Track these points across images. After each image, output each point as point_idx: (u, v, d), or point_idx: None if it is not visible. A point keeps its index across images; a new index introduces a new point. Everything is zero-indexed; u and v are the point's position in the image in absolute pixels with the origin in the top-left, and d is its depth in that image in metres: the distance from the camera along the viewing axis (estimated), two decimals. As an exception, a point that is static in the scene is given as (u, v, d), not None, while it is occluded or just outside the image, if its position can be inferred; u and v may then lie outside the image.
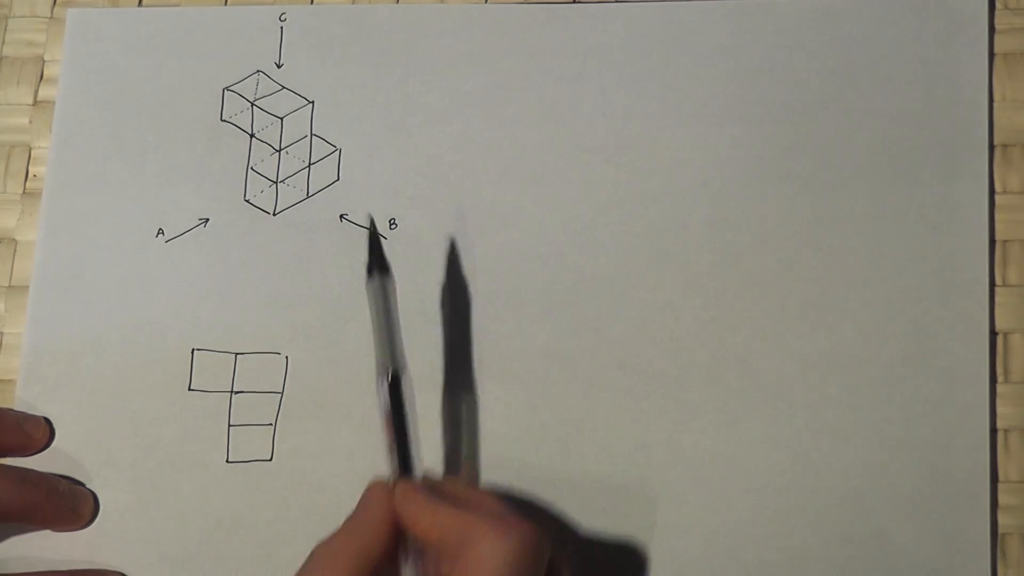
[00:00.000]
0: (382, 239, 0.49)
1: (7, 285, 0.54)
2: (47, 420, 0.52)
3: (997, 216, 0.50)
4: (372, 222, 0.48)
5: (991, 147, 0.51)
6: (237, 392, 0.51)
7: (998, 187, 0.51)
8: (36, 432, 0.51)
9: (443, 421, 0.50)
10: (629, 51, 0.54)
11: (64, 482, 0.50)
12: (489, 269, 0.52)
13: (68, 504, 0.50)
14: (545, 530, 0.41)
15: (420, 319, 0.51)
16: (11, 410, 0.51)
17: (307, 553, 0.47)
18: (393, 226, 0.53)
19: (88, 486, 0.51)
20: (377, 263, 0.46)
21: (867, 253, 0.50)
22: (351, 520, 0.43)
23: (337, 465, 0.50)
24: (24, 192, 0.55)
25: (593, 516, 0.49)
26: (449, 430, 0.50)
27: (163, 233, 0.53)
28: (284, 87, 0.55)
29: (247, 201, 0.54)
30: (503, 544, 0.40)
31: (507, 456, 0.50)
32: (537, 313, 0.51)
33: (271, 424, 0.51)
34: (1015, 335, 0.49)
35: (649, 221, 0.52)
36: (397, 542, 0.43)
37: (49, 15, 0.57)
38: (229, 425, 0.51)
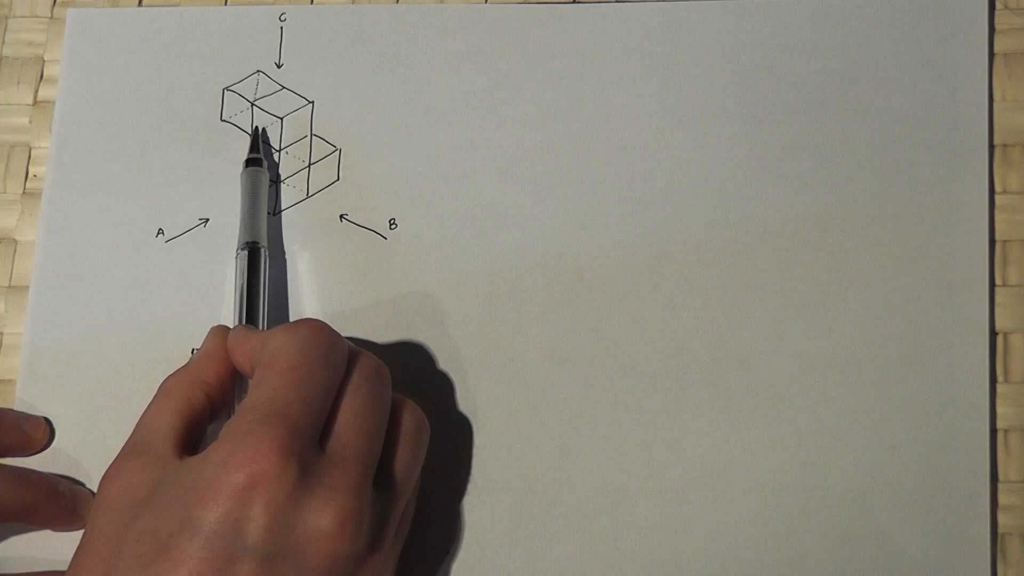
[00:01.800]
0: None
1: (7, 285, 0.54)
2: (47, 420, 0.52)
3: (997, 216, 0.50)
4: (256, 128, 0.54)
5: (991, 147, 0.51)
6: (237, 392, 0.51)
7: (998, 187, 0.51)
8: (36, 432, 0.51)
9: None
10: (629, 51, 0.54)
11: (64, 482, 0.50)
12: (489, 269, 0.52)
13: (68, 504, 0.50)
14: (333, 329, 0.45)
15: (420, 319, 0.51)
16: (11, 410, 0.51)
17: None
18: (393, 226, 0.53)
19: (88, 486, 0.51)
20: (253, 159, 0.53)
21: (867, 253, 0.50)
22: (192, 358, 0.48)
23: (337, 465, 0.50)
24: (24, 192, 0.55)
25: (593, 516, 0.49)
26: None
27: (163, 233, 0.53)
28: (284, 87, 0.55)
29: (247, 201, 0.54)
30: (290, 334, 0.44)
31: (507, 456, 0.49)
32: (537, 313, 0.51)
33: (271, 424, 0.51)
34: (1015, 335, 0.49)
35: (649, 221, 0.52)
36: (233, 380, 0.47)
37: (49, 15, 0.57)
38: (229, 425, 0.51)
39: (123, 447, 0.46)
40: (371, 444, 0.44)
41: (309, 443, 0.42)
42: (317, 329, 0.45)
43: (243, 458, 0.41)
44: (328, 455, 0.43)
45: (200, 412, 0.46)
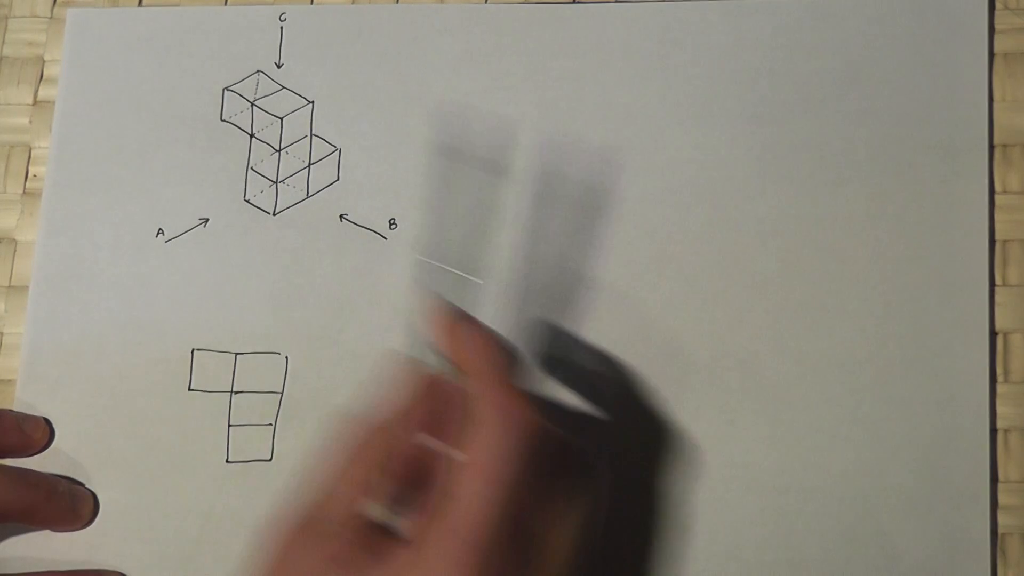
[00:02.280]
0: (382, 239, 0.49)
1: (7, 285, 0.54)
2: (47, 421, 0.52)
3: (997, 216, 0.50)
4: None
5: (991, 147, 0.51)
6: (237, 392, 0.52)
7: (998, 187, 0.51)
8: (36, 433, 0.51)
9: None
10: (629, 51, 0.54)
11: (64, 482, 0.50)
12: (489, 269, 0.52)
13: (67, 504, 0.50)
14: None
15: (420, 319, 0.51)
16: (11, 411, 0.51)
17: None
18: (393, 226, 0.53)
19: (88, 486, 0.51)
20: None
21: (867, 253, 0.50)
22: (392, 418, 0.43)
23: (337, 465, 0.50)
24: (24, 192, 0.55)
25: (593, 516, 0.49)
26: None
27: (163, 233, 0.53)
28: (284, 87, 0.55)
29: (247, 201, 0.54)
30: (501, 429, 0.41)
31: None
32: (537, 313, 0.51)
33: (271, 424, 0.51)
34: (1015, 335, 0.50)
35: (649, 221, 0.52)
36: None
37: (49, 15, 0.57)
38: (229, 425, 0.51)
39: (305, 509, 0.42)
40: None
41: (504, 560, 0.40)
42: (530, 427, 0.41)
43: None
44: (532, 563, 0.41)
45: (387, 466, 0.43)
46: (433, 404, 0.43)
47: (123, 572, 0.50)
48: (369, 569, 0.40)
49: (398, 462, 0.42)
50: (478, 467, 0.40)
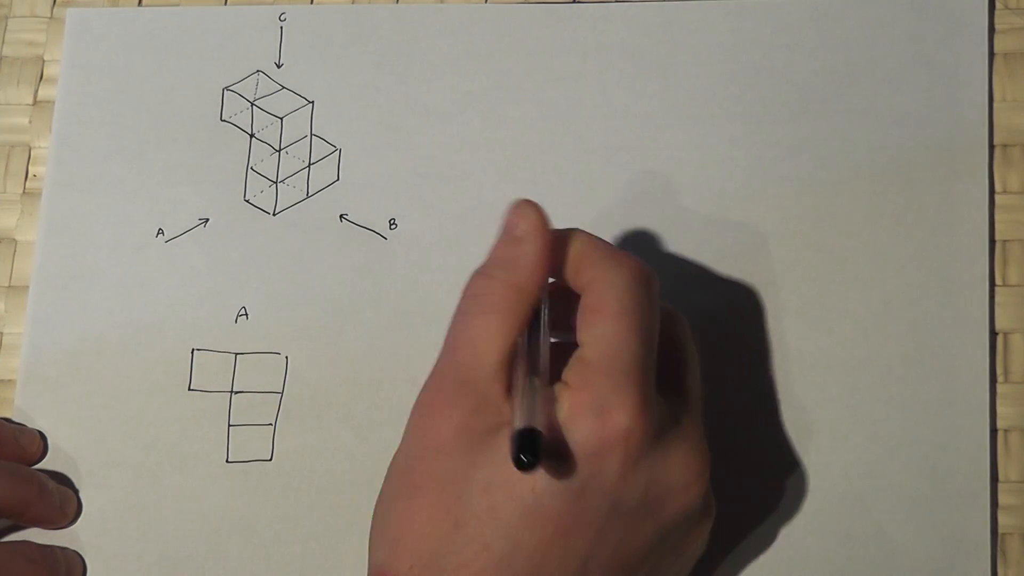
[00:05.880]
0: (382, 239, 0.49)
1: (7, 285, 0.54)
2: (41, 434, 0.51)
3: (997, 216, 0.50)
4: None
5: (991, 147, 0.51)
6: (237, 392, 0.51)
7: (998, 187, 0.51)
8: (31, 446, 0.51)
9: None
10: (629, 51, 0.54)
11: (52, 481, 0.50)
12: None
13: (56, 502, 0.50)
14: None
15: (420, 319, 0.51)
16: (7, 423, 0.51)
17: (306, 553, 0.47)
18: (393, 226, 0.53)
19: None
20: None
21: (867, 253, 0.50)
22: (511, 250, 0.43)
23: (337, 465, 0.50)
24: (24, 192, 0.55)
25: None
26: None
27: (163, 233, 0.53)
28: (284, 87, 0.55)
29: (247, 201, 0.54)
30: (614, 272, 0.42)
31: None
32: (537, 313, 0.51)
33: (271, 424, 0.51)
34: (1015, 335, 0.49)
35: (649, 221, 0.52)
36: (545, 291, 0.43)
37: (49, 15, 0.57)
38: (229, 425, 0.51)
39: (440, 370, 0.42)
40: (700, 396, 0.44)
41: (655, 393, 0.41)
42: (637, 267, 0.42)
43: (607, 418, 0.40)
44: (679, 406, 0.42)
45: (523, 330, 0.42)
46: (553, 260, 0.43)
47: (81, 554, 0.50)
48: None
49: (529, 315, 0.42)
50: (606, 311, 0.41)
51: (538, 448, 0.38)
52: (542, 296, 0.42)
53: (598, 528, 0.40)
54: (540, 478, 0.39)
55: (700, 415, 0.44)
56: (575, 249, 0.43)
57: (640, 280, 0.42)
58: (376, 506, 0.43)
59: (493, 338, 0.41)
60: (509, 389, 0.41)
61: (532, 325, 0.42)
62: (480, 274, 0.43)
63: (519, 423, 0.39)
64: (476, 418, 0.41)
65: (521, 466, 0.37)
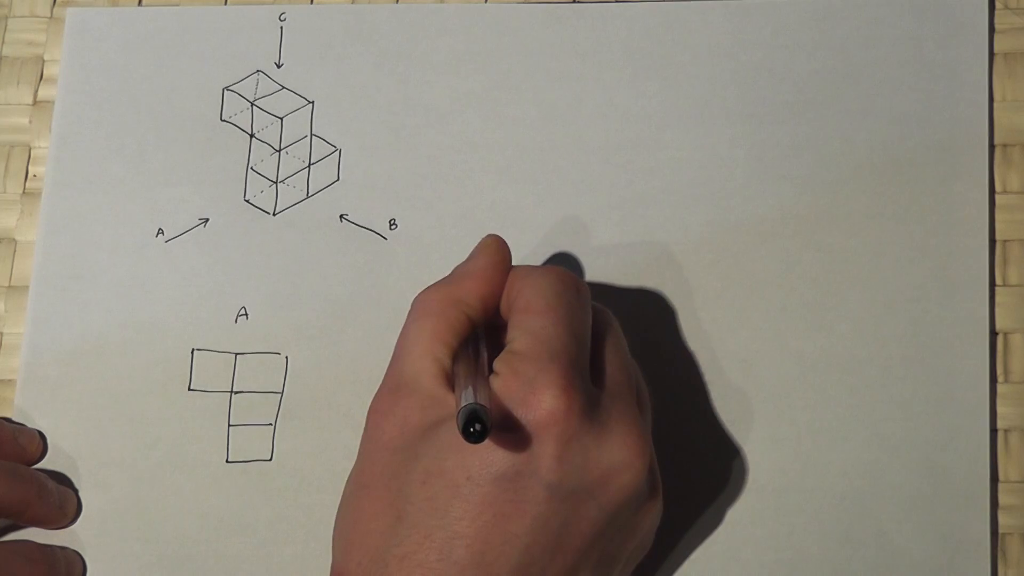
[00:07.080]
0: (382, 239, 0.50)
1: (7, 285, 0.54)
2: (41, 434, 0.51)
3: (997, 216, 0.50)
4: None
5: (991, 147, 0.51)
6: (237, 392, 0.51)
7: (998, 187, 0.51)
8: (30, 446, 0.51)
9: None
10: (629, 51, 0.54)
11: (52, 481, 0.50)
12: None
13: (56, 502, 0.50)
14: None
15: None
16: (7, 423, 0.51)
17: (306, 553, 0.47)
18: (393, 226, 0.53)
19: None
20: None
21: (867, 253, 0.50)
22: (456, 272, 0.46)
23: (337, 465, 0.50)
24: (24, 192, 0.55)
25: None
26: None
27: (163, 233, 0.53)
28: (284, 87, 0.55)
29: (247, 201, 0.54)
30: (540, 277, 0.44)
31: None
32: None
33: (271, 424, 0.51)
34: (1015, 335, 0.49)
35: (649, 221, 0.52)
36: (495, 304, 0.45)
37: (49, 15, 0.57)
38: (229, 425, 0.51)
39: (387, 377, 0.44)
40: (634, 382, 0.45)
41: (587, 380, 0.42)
42: (562, 273, 0.45)
43: (535, 400, 0.41)
44: (607, 391, 0.43)
45: (460, 337, 0.44)
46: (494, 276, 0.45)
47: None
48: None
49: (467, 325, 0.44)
50: (533, 310, 0.43)
51: (485, 419, 0.38)
52: (482, 308, 0.45)
53: (537, 513, 0.41)
54: (474, 465, 0.40)
55: (634, 399, 0.44)
56: (510, 275, 0.45)
57: (567, 283, 0.44)
58: (336, 512, 0.44)
59: (430, 339, 0.43)
60: (452, 388, 0.42)
61: (473, 337, 0.44)
62: (423, 290, 0.45)
63: (464, 401, 0.40)
64: (421, 414, 0.42)
65: (470, 438, 0.38)
